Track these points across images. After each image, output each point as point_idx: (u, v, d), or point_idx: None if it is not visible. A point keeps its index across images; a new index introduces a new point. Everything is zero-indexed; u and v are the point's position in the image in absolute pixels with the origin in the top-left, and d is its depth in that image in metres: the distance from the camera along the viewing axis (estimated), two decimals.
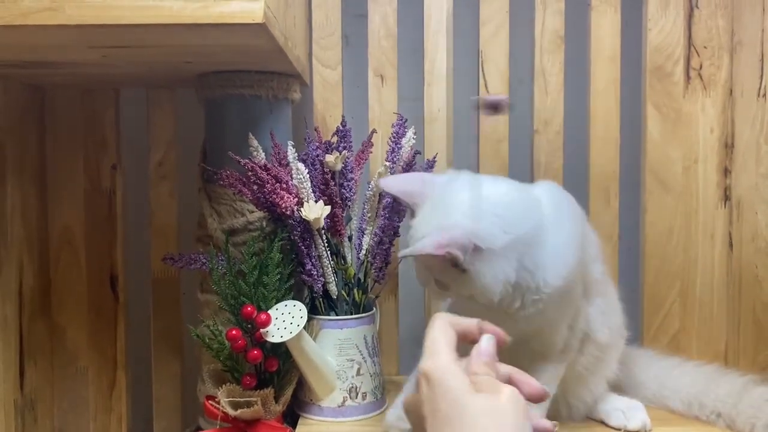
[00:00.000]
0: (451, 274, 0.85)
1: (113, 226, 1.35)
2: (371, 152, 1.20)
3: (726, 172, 1.31)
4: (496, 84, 1.32)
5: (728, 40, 1.29)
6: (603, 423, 1.07)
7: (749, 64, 1.24)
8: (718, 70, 1.29)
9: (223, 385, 1.04)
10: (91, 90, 1.34)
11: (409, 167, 1.15)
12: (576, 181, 1.32)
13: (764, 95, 1.20)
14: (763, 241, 1.21)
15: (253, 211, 1.14)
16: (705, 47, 1.30)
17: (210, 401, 1.07)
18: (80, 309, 1.35)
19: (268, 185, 1.04)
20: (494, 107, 1.01)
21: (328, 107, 1.33)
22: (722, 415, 1.05)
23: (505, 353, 0.94)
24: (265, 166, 1.06)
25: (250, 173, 1.05)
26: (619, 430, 1.04)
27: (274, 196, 1.05)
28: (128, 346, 1.38)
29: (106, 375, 1.37)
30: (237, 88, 1.14)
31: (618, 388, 1.12)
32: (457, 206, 0.86)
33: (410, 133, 1.16)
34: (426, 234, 0.84)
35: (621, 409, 1.06)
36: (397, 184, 0.93)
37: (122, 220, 1.36)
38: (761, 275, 1.22)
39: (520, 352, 0.92)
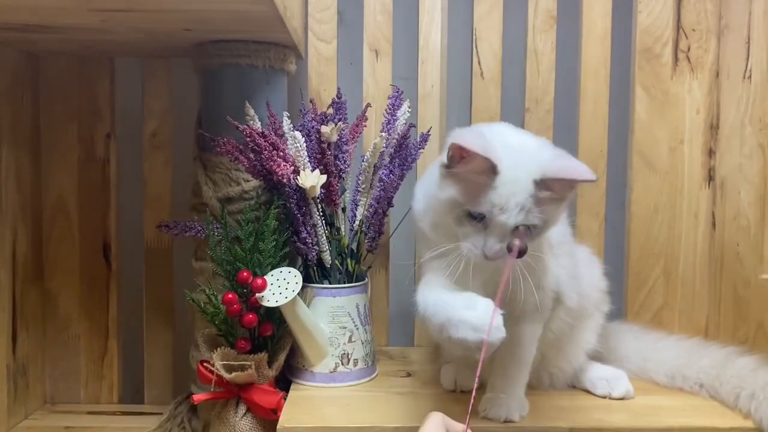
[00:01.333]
0: (554, 206, 0.87)
1: (107, 194, 1.36)
2: (365, 126, 1.22)
3: (711, 152, 1.34)
4: (489, 62, 1.34)
5: (716, 24, 1.32)
6: (588, 392, 1.11)
7: (736, 47, 1.27)
8: (705, 52, 1.32)
9: (218, 349, 1.06)
10: (86, 58, 1.34)
11: (403, 139, 1.17)
12: None
13: (749, 77, 1.23)
14: (744, 220, 1.24)
15: (248, 180, 1.16)
16: (693, 30, 1.33)
17: (204, 365, 1.09)
18: (73, 277, 1.36)
19: (266, 152, 1.06)
20: None
21: (322, 81, 1.34)
22: (705, 386, 1.09)
23: None
24: (262, 133, 1.07)
25: (248, 139, 1.06)
26: (604, 397, 1.08)
27: (271, 163, 1.06)
28: (120, 314, 1.39)
29: (97, 343, 1.38)
30: (234, 57, 1.15)
31: (602, 361, 1.15)
32: (551, 148, 0.90)
33: (405, 106, 1.18)
34: (535, 173, 0.84)
35: (605, 378, 1.10)
36: (474, 139, 0.86)
37: (116, 189, 1.37)
38: (742, 253, 1.25)
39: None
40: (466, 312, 0.83)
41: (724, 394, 1.05)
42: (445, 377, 1.12)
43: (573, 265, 1.07)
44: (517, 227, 0.85)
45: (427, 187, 0.98)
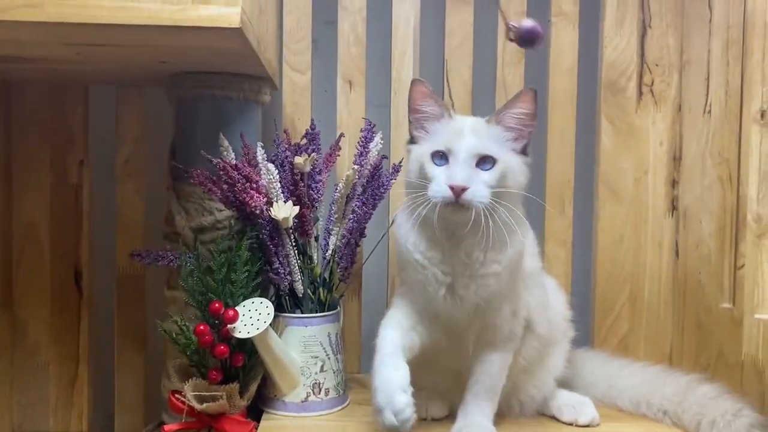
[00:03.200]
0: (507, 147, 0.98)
1: (79, 221, 1.36)
2: (339, 155, 1.24)
3: (674, 183, 1.38)
4: (459, 93, 1.37)
5: (678, 59, 1.37)
6: (555, 418, 1.13)
7: (696, 83, 1.32)
8: (668, 86, 1.37)
9: (190, 380, 1.06)
10: (60, 86, 1.34)
11: (376, 170, 1.19)
12: (533, 188, 1.37)
13: (709, 112, 1.28)
14: (706, 249, 1.28)
15: (221, 210, 1.17)
16: (656, 65, 1.37)
17: (175, 395, 1.09)
18: (43, 303, 1.35)
19: (239, 184, 1.07)
20: (529, 40, 1.01)
21: (297, 111, 1.36)
22: (668, 413, 1.12)
23: (457, 346, 1.02)
24: (235, 165, 1.08)
25: (221, 172, 1.07)
26: (571, 424, 1.10)
27: (244, 195, 1.07)
28: (91, 341, 1.38)
29: (67, 370, 1.37)
30: (209, 88, 1.16)
31: (569, 388, 1.18)
32: None
33: (378, 138, 1.20)
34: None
35: (572, 405, 1.12)
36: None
37: (88, 215, 1.37)
38: (704, 281, 1.29)
39: (471, 341, 1.02)
40: (395, 395, 0.91)
41: (687, 421, 1.08)
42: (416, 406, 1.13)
43: (543, 294, 1.11)
44: (476, 162, 0.93)
45: (405, 204, 1.04)
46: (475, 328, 1.01)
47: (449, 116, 0.99)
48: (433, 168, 0.95)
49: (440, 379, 1.11)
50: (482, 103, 1.40)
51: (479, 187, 0.92)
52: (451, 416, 1.09)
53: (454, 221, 0.95)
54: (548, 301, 1.12)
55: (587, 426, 1.09)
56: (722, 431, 1.01)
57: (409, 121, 1.02)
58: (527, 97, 0.96)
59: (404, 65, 1.37)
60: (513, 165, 0.96)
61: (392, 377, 0.93)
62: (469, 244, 0.96)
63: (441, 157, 0.95)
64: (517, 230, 0.94)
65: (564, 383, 1.17)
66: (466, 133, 0.95)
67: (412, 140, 1.02)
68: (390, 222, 1.31)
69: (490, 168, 0.94)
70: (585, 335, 1.40)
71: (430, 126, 0.99)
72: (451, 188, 0.91)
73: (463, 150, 0.93)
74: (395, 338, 0.99)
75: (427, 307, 1.01)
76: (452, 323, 1.01)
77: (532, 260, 1.09)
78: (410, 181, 0.99)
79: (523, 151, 0.99)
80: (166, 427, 1.10)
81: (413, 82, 1.00)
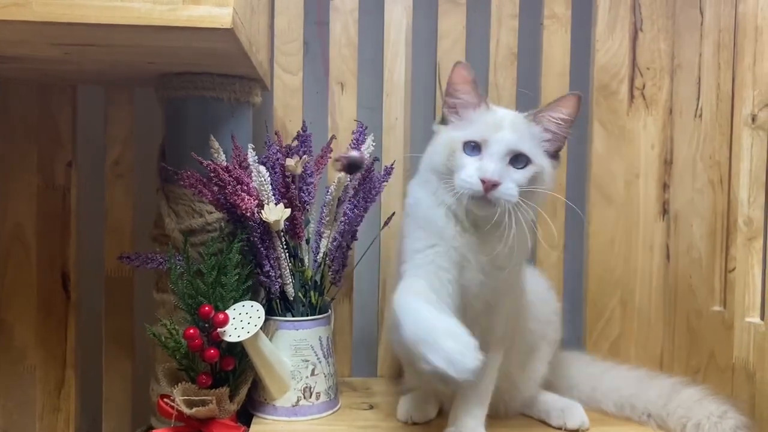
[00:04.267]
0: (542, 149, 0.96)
1: (67, 223, 1.34)
2: (330, 158, 1.23)
3: (665, 186, 1.39)
4: None
5: (669, 63, 1.37)
6: (543, 422, 1.12)
7: (687, 86, 1.32)
8: (659, 90, 1.38)
9: (179, 384, 1.05)
10: (47, 86, 1.33)
11: (367, 173, 1.18)
12: None
13: (700, 116, 1.28)
14: (697, 253, 1.28)
15: (211, 212, 1.15)
16: (648, 68, 1.38)
17: (164, 399, 1.08)
18: (29, 307, 1.33)
19: (230, 187, 1.06)
20: (351, 166, 1.12)
21: (288, 112, 1.35)
22: (653, 416, 1.12)
23: None
24: (226, 167, 1.07)
25: (212, 174, 1.06)
26: (560, 428, 1.10)
27: (235, 197, 1.06)
28: (78, 344, 1.36)
29: (54, 374, 1.35)
30: (199, 89, 1.15)
31: (553, 389, 1.18)
32: None
33: (369, 140, 1.19)
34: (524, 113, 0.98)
35: (560, 409, 1.12)
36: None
37: (76, 218, 1.35)
38: (695, 285, 1.29)
39: None
40: (447, 341, 0.81)
41: (672, 424, 1.08)
42: (401, 410, 1.13)
43: (528, 298, 1.10)
44: (510, 159, 0.91)
45: (421, 177, 1.01)
46: (477, 330, 1.00)
47: (486, 107, 0.96)
48: (464, 157, 0.92)
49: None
50: None
51: (510, 185, 0.90)
52: (442, 417, 1.08)
53: (477, 215, 0.93)
54: (539, 299, 1.13)
55: (576, 430, 1.09)
56: None
57: (444, 101, 0.99)
58: (571, 102, 0.95)
59: (396, 67, 1.36)
60: (545, 167, 0.95)
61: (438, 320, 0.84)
62: (492, 237, 0.93)
63: (474, 147, 0.93)
64: (534, 232, 0.93)
65: (549, 385, 1.17)
66: (505, 127, 0.93)
67: (443, 121, 0.99)
68: (381, 225, 1.31)
69: (523, 167, 0.92)
70: (577, 338, 1.40)
71: (465, 113, 0.96)
72: (482, 182, 0.89)
73: (500, 144, 0.91)
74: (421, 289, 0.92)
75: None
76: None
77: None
78: (434, 165, 0.96)
79: (555, 155, 0.97)
80: None
81: (457, 64, 0.97)
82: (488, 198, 0.90)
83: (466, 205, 0.91)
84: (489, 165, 0.90)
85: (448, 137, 0.96)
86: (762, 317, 1.10)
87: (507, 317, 1.02)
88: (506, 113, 0.97)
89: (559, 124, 0.95)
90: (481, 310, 0.99)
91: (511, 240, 0.91)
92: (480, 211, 0.92)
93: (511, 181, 0.90)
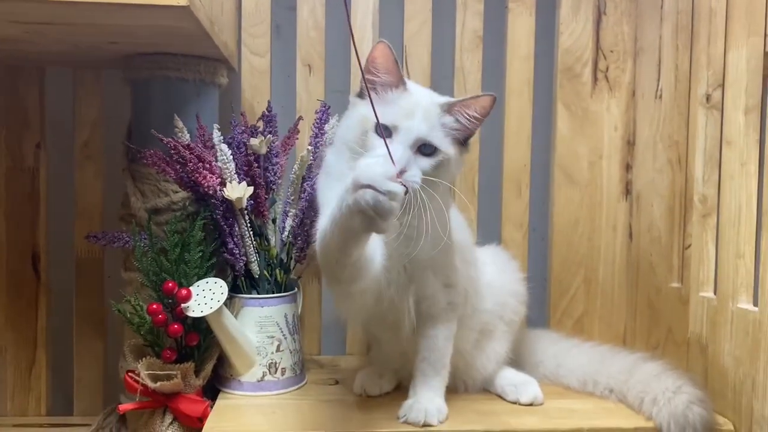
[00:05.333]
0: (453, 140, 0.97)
1: (36, 205, 1.35)
2: (297, 139, 1.25)
3: (628, 167, 1.41)
4: (418, 78, 1.39)
5: (632, 46, 1.39)
6: (501, 398, 1.15)
7: (649, 69, 1.35)
8: (622, 72, 1.40)
9: (144, 358, 1.06)
10: (14, 68, 1.33)
11: None
12: (490, 173, 1.41)
13: (660, 97, 1.31)
14: (657, 231, 1.31)
15: (176, 191, 1.17)
16: (611, 51, 1.40)
17: (130, 375, 1.09)
18: None
19: (191, 164, 1.07)
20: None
21: (255, 94, 1.37)
22: (614, 391, 1.14)
23: (398, 327, 1.04)
24: (188, 145, 1.09)
25: (173, 152, 1.07)
26: (514, 403, 1.12)
27: (197, 175, 1.08)
28: (49, 325, 1.37)
29: (25, 355, 1.36)
30: (163, 70, 1.16)
31: (519, 366, 1.21)
32: None
33: (333, 121, 1.21)
34: (440, 100, 0.99)
35: (515, 385, 1.14)
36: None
37: (45, 199, 1.36)
38: (655, 262, 1.32)
39: (407, 317, 1.03)
40: (371, 160, 0.83)
41: (631, 398, 1.10)
42: (356, 384, 1.16)
43: (477, 265, 1.13)
44: (419, 147, 0.93)
45: (335, 148, 1.01)
46: (409, 302, 1.03)
47: (404, 89, 0.96)
48: (375, 139, 0.93)
49: (389, 359, 1.14)
50: (441, 88, 1.38)
51: (414, 172, 0.91)
52: (402, 392, 1.11)
53: None
54: (486, 272, 1.15)
55: (530, 405, 1.11)
56: (663, 408, 1.04)
57: (363, 76, 0.96)
58: (486, 102, 0.96)
59: (363, 49, 1.37)
60: (451, 157, 0.96)
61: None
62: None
63: (385, 129, 0.93)
64: (443, 209, 0.95)
65: (514, 362, 1.20)
66: (418, 116, 0.94)
67: (360, 95, 0.99)
68: None
69: (430, 155, 0.94)
70: (541, 316, 1.43)
71: (383, 92, 0.96)
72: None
73: (410, 133, 0.93)
74: None
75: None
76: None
77: (461, 234, 1.09)
78: (347, 140, 0.96)
79: (464, 143, 0.99)
80: (120, 407, 1.11)
81: (379, 42, 0.95)
82: None
83: None
84: (398, 152, 0.90)
85: (362, 113, 0.95)
86: (715, 292, 1.12)
87: (445, 289, 1.04)
88: (422, 97, 0.97)
89: (471, 120, 0.97)
90: (411, 275, 1.01)
91: (417, 219, 0.92)
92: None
93: (417, 168, 0.92)
